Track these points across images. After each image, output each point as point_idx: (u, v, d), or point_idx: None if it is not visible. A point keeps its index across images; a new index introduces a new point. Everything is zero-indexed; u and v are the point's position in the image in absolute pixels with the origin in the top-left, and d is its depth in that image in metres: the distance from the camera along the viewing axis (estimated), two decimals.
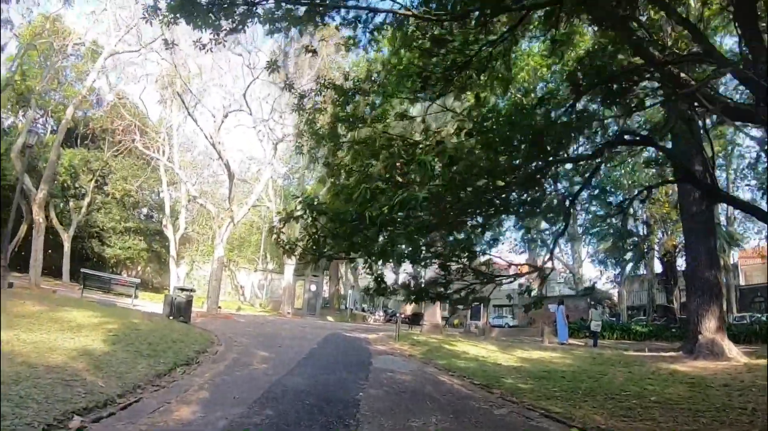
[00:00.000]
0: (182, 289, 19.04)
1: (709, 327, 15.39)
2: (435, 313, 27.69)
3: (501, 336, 28.23)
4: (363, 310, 56.44)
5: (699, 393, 9.72)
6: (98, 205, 40.11)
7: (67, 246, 36.90)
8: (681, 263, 34.48)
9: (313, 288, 44.78)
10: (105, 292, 22.91)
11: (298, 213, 8.39)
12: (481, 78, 8.76)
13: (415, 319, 31.17)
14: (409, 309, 48.69)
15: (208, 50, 7.74)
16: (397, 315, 48.27)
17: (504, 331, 30.28)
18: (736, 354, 14.87)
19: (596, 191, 28.72)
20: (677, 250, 33.74)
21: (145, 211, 48.12)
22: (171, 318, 16.85)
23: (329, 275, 53.43)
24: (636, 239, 36.54)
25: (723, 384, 10.60)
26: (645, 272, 40.88)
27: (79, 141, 39.35)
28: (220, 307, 27.04)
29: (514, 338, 26.99)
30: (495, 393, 10.17)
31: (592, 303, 28.76)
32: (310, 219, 8.32)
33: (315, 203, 8.34)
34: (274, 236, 8.94)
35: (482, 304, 32.84)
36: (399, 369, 12.83)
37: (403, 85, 8.68)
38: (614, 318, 39.00)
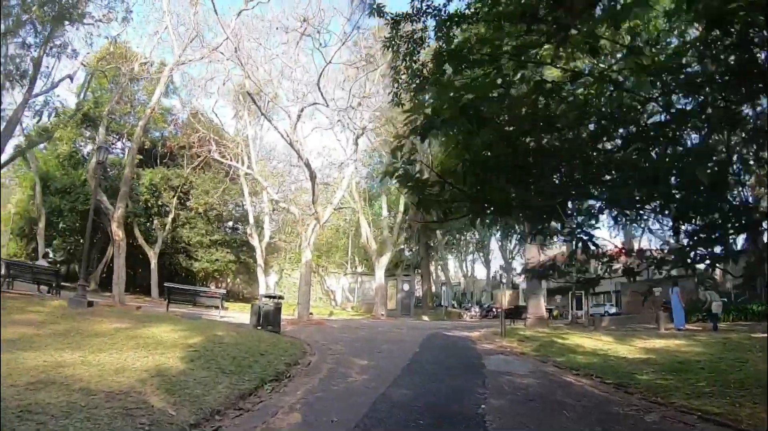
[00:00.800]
0: (270, 296, 17.91)
1: None
2: (539, 305, 25.60)
3: (611, 325, 25.78)
4: (454, 307, 54.97)
5: None
6: (183, 220, 40.09)
7: (153, 263, 37.12)
8: None
9: (406, 287, 43.31)
10: (192, 305, 22.21)
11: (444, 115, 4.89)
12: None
13: (516, 313, 29.01)
14: (505, 302, 46.56)
15: None
16: (494, 309, 46.57)
17: (614, 320, 27.76)
18: None
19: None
20: None
21: (230, 224, 48.06)
22: (259, 328, 15.64)
23: (420, 273, 52.09)
24: (743, 209, 32.85)
25: None
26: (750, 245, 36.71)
27: (158, 160, 39.54)
28: (311, 313, 25.86)
29: (626, 327, 24.71)
30: (634, 393, 8.51)
31: (701, 283, 26.07)
32: (463, 132, 5.16)
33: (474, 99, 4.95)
34: (401, 157, 5.31)
35: (584, 291, 30.42)
36: (516, 370, 11.09)
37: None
38: (725, 298, 35.71)
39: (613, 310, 44.03)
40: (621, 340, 16.23)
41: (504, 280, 68.51)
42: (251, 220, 39.64)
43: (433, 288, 54.64)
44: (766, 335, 14.17)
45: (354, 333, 19.52)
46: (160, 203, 38.88)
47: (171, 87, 38.23)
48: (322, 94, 23.09)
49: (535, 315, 24.87)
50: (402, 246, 51.40)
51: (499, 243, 67.05)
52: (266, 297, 18.03)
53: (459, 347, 15.95)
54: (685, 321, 22.24)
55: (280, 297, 18.63)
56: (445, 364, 11.81)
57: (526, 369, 11.44)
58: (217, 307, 21.45)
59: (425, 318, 40.10)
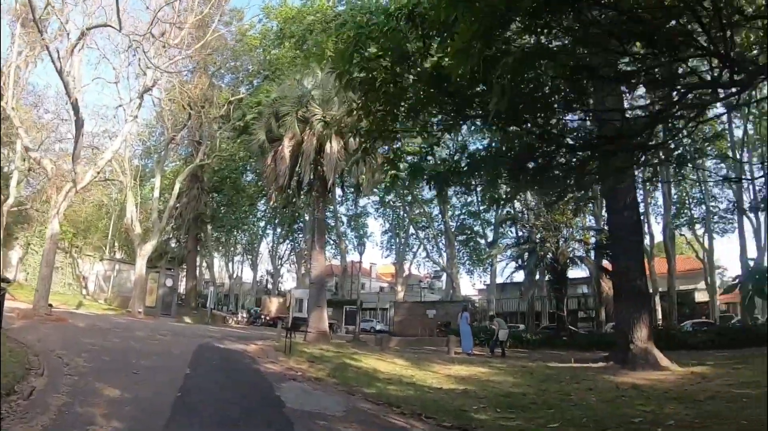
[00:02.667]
0: None
1: (640, 336, 15.36)
2: (322, 318, 23.85)
3: (396, 346, 25.18)
4: (218, 309, 52.07)
5: (691, 409, 8.26)
6: None
7: None
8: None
9: (169, 283, 39.36)
10: None
11: None
12: None
13: (294, 325, 26.98)
14: (273, 310, 44.77)
15: None
16: (263, 317, 44.50)
17: (401, 341, 27.26)
18: (668, 363, 14.71)
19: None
20: (567, 260, 33.49)
21: None
22: None
23: (186, 268, 48.02)
24: (527, 246, 35.87)
25: (709, 396, 9.23)
26: (524, 279, 40.08)
27: None
28: (51, 305, 20.73)
29: (413, 348, 24.34)
30: None
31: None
32: None
33: None
34: None
35: (359, 307, 30.04)
36: (326, 408, 8.61)
37: None
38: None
39: (379, 327, 44.93)
40: (418, 365, 15.54)
41: (271, 286, 66.70)
42: None
43: (197, 287, 51.12)
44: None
45: (104, 337, 15.74)
46: None
47: None
48: (118, 12, 17.78)
49: (317, 330, 23.10)
50: (169, 236, 47.66)
51: (269, 248, 64.96)
52: None
53: (240, 368, 13.34)
54: (472, 345, 22.71)
55: (6, 281, 14.08)
56: (230, 397, 9.05)
57: (338, 406, 9.02)
58: None
59: (188, 320, 37.06)
